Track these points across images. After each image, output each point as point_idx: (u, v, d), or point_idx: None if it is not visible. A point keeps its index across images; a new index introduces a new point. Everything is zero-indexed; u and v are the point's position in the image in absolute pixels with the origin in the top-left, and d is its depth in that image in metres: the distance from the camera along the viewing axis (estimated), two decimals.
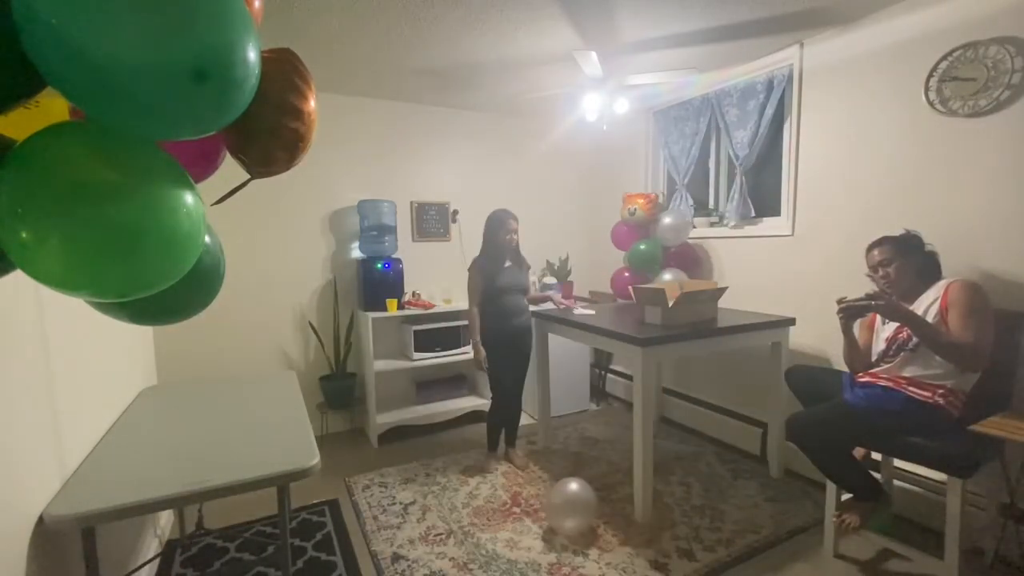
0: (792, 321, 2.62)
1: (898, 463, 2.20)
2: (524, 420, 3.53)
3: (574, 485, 2.18)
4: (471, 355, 3.43)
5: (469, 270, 2.82)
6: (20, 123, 0.70)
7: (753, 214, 3.00)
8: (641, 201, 3.37)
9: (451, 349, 3.44)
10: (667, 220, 3.25)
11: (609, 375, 4.16)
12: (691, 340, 2.37)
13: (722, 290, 2.65)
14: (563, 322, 2.82)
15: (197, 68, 0.57)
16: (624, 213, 3.46)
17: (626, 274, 3.45)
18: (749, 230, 3.03)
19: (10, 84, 0.62)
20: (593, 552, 2.08)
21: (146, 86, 0.56)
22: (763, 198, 3.01)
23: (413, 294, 3.55)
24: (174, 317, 0.88)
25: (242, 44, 0.63)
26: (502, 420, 2.95)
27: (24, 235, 0.59)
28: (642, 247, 3.31)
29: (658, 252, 3.29)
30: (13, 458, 1.10)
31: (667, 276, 3.21)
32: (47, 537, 1.17)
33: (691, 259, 3.36)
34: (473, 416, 3.57)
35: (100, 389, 1.71)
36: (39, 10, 0.52)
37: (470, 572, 1.98)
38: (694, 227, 3.40)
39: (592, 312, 2.93)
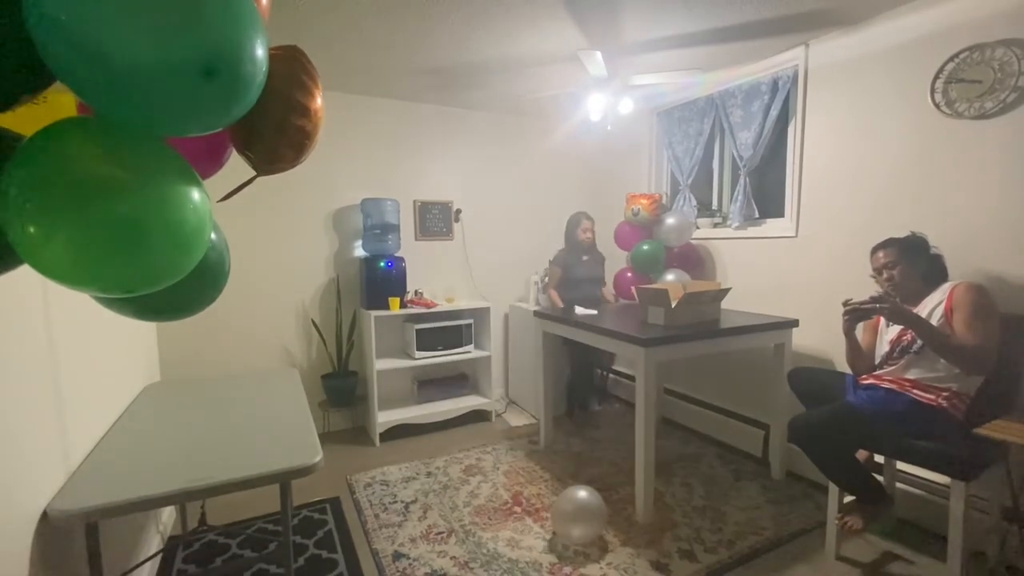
0: (795, 323, 2.61)
1: (901, 466, 2.19)
2: (526, 420, 3.56)
3: (583, 493, 2.12)
4: (473, 354, 3.49)
5: (550, 262, 3.49)
6: (28, 118, 0.70)
7: (757, 215, 3.00)
8: (645, 202, 3.36)
9: (453, 348, 3.44)
10: (670, 221, 3.25)
11: (611, 375, 4.15)
12: (694, 341, 2.36)
13: (725, 291, 2.64)
14: (565, 322, 2.82)
15: (206, 65, 0.57)
16: (627, 213, 3.45)
17: (629, 274, 3.44)
18: (753, 231, 3.03)
19: (19, 79, 0.63)
20: (594, 552, 2.08)
21: (155, 82, 0.56)
22: (767, 199, 3.00)
23: (416, 293, 3.55)
24: (179, 313, 0.88)
25: (251, 41, 0.63)
26: (576, 385, 3.63)
27: (31, 230, 0.59)
28: (645, 247, 3.30)
29: (661, 253, 3.28)
30: (18, 454, 1.11)
31: (670, 277, 3.20)
32: (51, 532, 1.17)
33: (694, 260, 3.35)
34: (475, 415, 3.57)
35: (104, 385, 1.71)
36: (48, 6, 0.53)
37: (471, 571, 1.98)
38: (697, 227, 3.40)
39: (595, 312, 2.93)
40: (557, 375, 3.52)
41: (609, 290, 3.59)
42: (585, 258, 3.44)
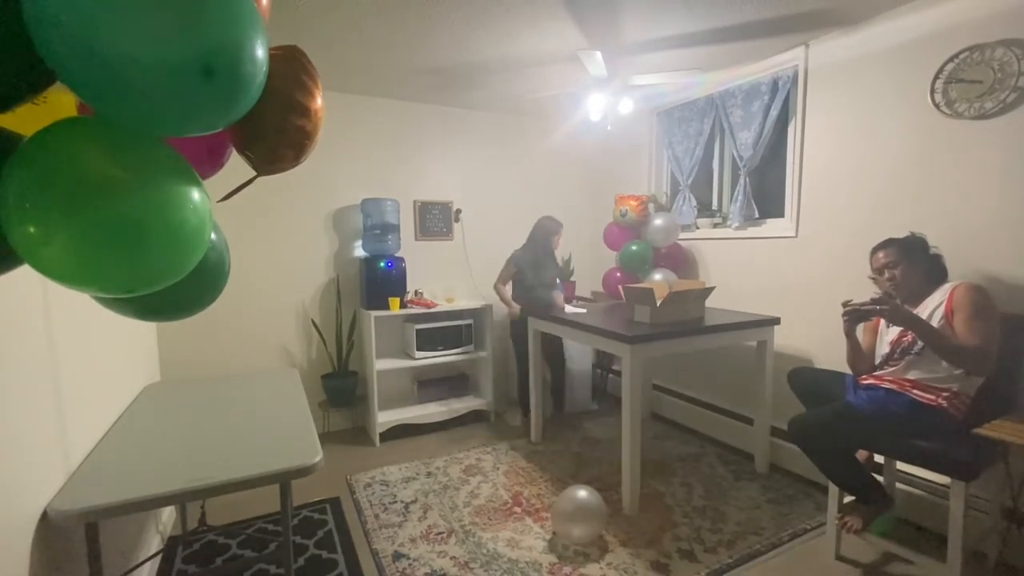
0: (776, 320, 2.66)
1: (901, 466, 2.19)
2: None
3: (583, 492, 2.13)
4: (473, 354, 3.48)
5: (507, 260, 3.33)
6: (28, 119, 0.70)
7: (757, 215, 3.00)
8: (633, 203, 3.41)
9: (453, 348, 3.44)
10: (657, 222, 3.31)
11: (611, 375, 4.15)
12: (678, 338, 2.42)
13: (709, 290, 2.68)
14: (555, 320, 2.85)
15: (206, 65, 0.57)
16: (616, 214, 3.49)
17: (618, 274, 3.48)
18: (753, 231, 3.03)
19: (19, 79, 0.63)
20: (594, 552, 2.08)
21: (155, 82, 0.56)
22: (767, 200, 3.00)
23: (415, 293, 3.55)
24: (179, 313, 0.88)
25: (250, 41, 0.63)
26: (527, 389, 3.39)
27: (32, 230, 0.59)
28: (633, 248, 3.36)
29: (648, 253, 3.34)
30: (18, 453, 1.11)
31: (657, 276, 3.25)
32: (51, 532, 1.17)
33: (682, 260, 3.41)
34: (474, 415, 3.57)
35: (104, 386, 1.71)
36: (48, 6, 0.53)
37: (471, 571, 1.98)
38: (697, 227, 3.41)
39: (583, 311, 2.96)
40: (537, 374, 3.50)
41: (560, 294, 3.46)
42: (547, 262, 3.34)
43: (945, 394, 1.75)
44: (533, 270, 3.26)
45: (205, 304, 0.90)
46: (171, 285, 0.72)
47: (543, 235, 3.30)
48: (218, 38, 0.59)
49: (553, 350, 3.51)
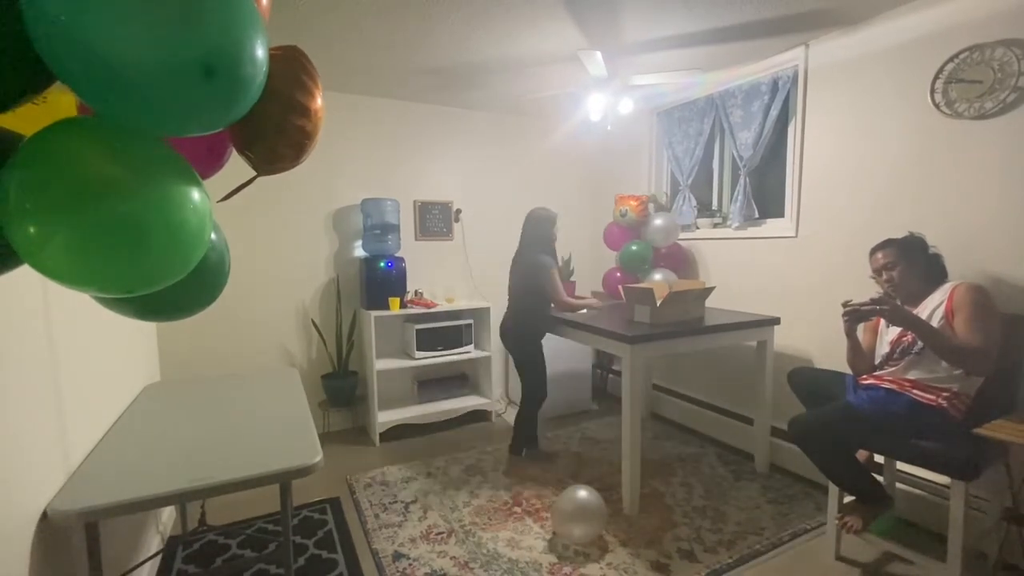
0: (777, 320, 2.66)
1: (901, 466, 2.19)
2: None
3: (583, 492, 2.13)
4: (473, 354, 3.48)
5: (548, 268, 2.72)
6: (28, 118, 0.70)
7: (757, 215, 3.00)
8: (633, 203, 3.41)
9: (453, 348, 3.44)
10: (657, 222, 3.31)
11: (611, 375, 4.15)
12: (678, 338, 2.42)
13: (709, 290, 2.68)
14: (554, 320, 2.84)
15: (206, 64, 0.57)
16: (616, 214, 3.49)
17: (618, 274, 3.48)
18: (753, 231, 3.03)
19: (19, 79, 0.63)
20: (594, 552, 2.08)
21: (155, 82, 0.56)
22: (767, 200, 3.01)
23: (415, 293, 3.55)
24: (179, 313, 0.88)
25: (251, 41, 0.63)
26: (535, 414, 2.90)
27: (32, 230, 0.59)
28: (633, 248, 3.36)
29: (648, 253, 3.34)
30: (18, 454, 1.11)
31: (657, 276, 3.25)
32: (51, 532, 1.17)
33: (683, 260, 3.41)
34: (475, 415, 3.57)
35: (104, 386, 1.71)
36: (49, 6, 0.53)
37: (471, 571, 1.98)
38: (697, 227, 3.41)
39: (583, 311, 2.96)
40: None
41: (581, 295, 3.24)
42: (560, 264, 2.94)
43: (945, 394, 1.75)
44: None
45: (205, 304, 0.90)
46: (171, 285, 0.72)
47: (547, 228, 2.79)
48: (218, 38, 0.59)
49: (534, 378, 2.85)
